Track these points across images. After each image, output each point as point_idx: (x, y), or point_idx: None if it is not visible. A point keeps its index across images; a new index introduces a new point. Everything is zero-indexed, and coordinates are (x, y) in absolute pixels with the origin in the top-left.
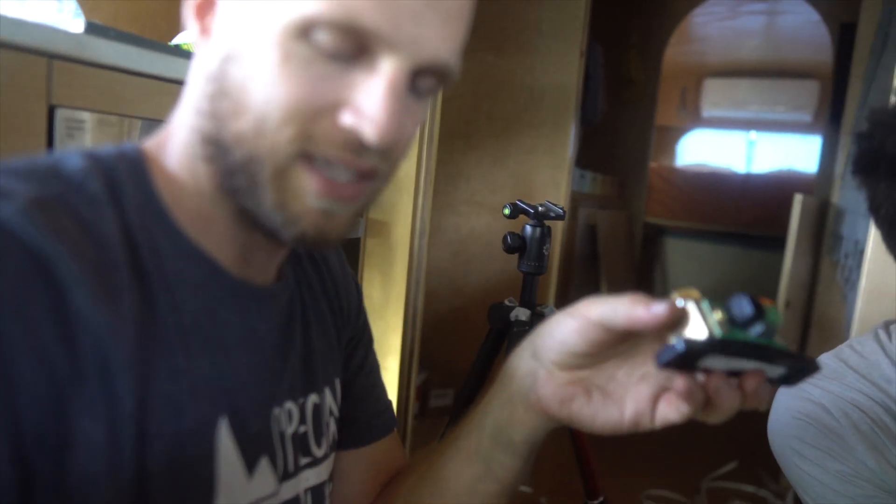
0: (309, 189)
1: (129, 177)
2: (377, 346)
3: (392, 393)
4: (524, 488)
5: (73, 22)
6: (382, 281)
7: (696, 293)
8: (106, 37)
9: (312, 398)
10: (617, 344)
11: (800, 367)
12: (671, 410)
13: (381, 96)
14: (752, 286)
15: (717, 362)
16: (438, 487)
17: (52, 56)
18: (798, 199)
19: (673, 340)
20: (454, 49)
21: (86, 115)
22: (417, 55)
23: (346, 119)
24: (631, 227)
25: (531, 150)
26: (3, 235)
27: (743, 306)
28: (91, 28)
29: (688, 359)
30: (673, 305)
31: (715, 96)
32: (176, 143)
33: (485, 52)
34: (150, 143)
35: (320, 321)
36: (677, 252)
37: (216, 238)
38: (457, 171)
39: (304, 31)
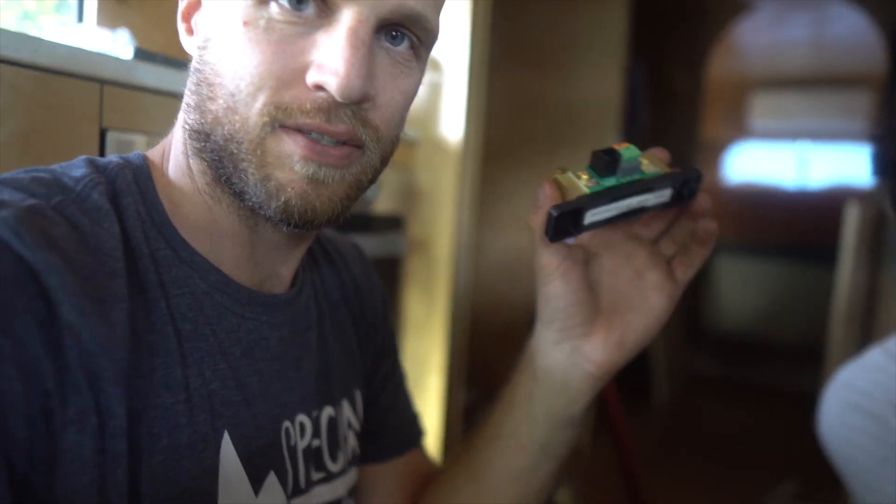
0: (293, 153)
1: (133, 185)
2: (419, 365)
3: (437, 412)
4: None
5: (123, 49)
6: (425, 299)
7: (561, 168)
8: (153, 62)
9: (327, 411)
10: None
11: (683, 179)
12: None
13: (340, 45)
14: (808, 303)
15: (599, 215)
16: (486, 486)
17: (103, 82)
18: (853, 210)
19: (549, 210)
20: (415, 1)
21: (137, 137)
22: (379, 2)
23: (311, 77)
24: None
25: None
26: None
27: (599, 158)
28: (139, 54)
29: (569, 221)
30: (547, 185)
31: (762, 108)
32: (174, 148)
33: (524, 68)
34: (154, 152)
35: (339, 330)
36: (728, 270)
37: (221, 244)
38: (501, 189)
39: None
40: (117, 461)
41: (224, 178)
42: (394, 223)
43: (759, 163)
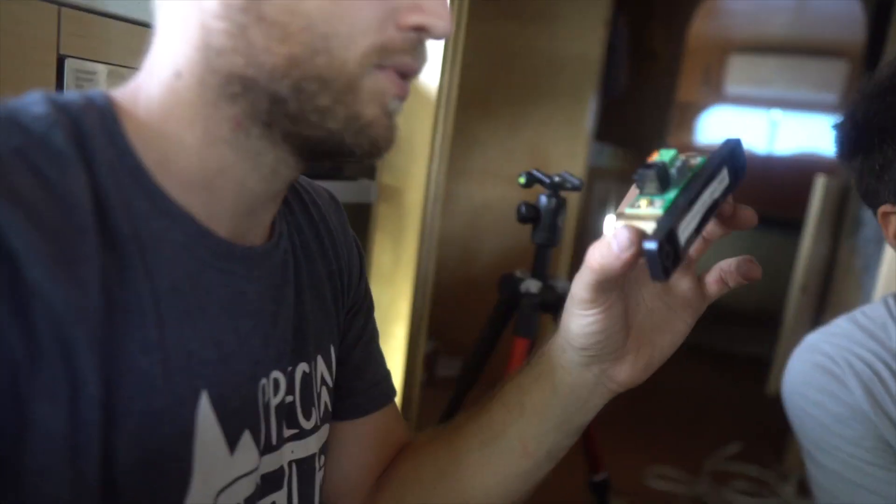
0: (388, 91)
1: (99, 128)
2: (385, 313)
3: (399, 361)
4: None
5: None
6: (393, 247)
7: (614, 216)
8: None
9: (302, 366)
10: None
11: (730, 150)
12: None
13: None
14: (770, 269)
15: (688, 227)
16: (478, 482)
17: (61, 4)
18: (820, 181)
19: (645, 247)
20: None
21: (97, 67)
22: None
23: (414, 19)
24: None
25: (549, 121)
26: None
27: (646, 177)
28: None
29: (670, 249)
30: (627, 234)
31: (739, 73)
32: (158, 96)
33: (505, 19)
34: (121, 94)
35: (315, 284)
36: None
37: (208, 198)
38: (473, 140)
39: None
40: (91, 431)
41: (281, 117)
42: (365, 169)
43: (732, 127)
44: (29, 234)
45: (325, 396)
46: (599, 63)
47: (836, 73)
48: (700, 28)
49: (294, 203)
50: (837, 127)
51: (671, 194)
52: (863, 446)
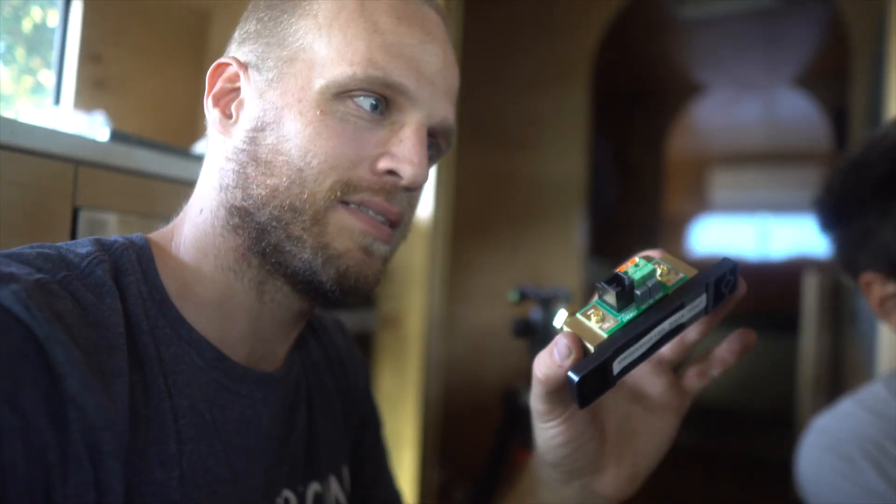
0: (355, 227)
1: (136, 265)
2: (391, 441)
3: (409, 489)
4: None
5: (99, 131)
6: (396, 374)
7: (567, 313)
8: (129, 144)
9: (314, 486)
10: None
11: (717, 277)
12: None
13: (413, 141)
14: (778, 372)
15: (631, 355)
16: None
17: (78, 162)
18: (810, 278)
19: (568, 376)
20: (452, 118)
21: (108, 217)
22: (433, 112)
23: (384, 164)
24: None
25: (542, 241)
26: (3, 316)
27: (606, 291)
28: (115, 136)
29: (595, 381)
30: (567, 341)
31: (723, 184)
32: (186, 231)
33: (492, 147)
34: (157, 235)
35: (326, 405)
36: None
37: (229, 321)
38: (472, 265)
39: (341, 92)
40: None
41: (262, 251)
42: (365, 299)
43: (720, 235)
44: (68, 349)
45: None
46: (584, 183)
47: (813, 175)
48: (679, 144)
49: (305, 330)
50: (817, 201)
51: (627, 314)
52: None
